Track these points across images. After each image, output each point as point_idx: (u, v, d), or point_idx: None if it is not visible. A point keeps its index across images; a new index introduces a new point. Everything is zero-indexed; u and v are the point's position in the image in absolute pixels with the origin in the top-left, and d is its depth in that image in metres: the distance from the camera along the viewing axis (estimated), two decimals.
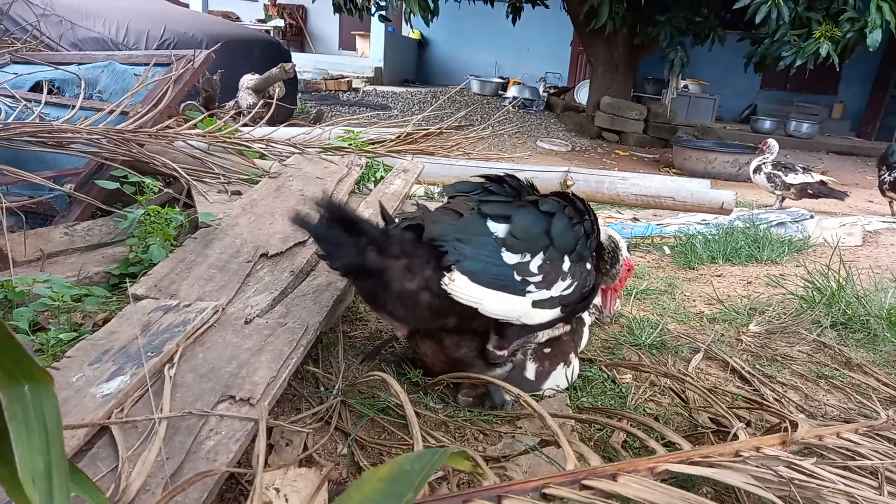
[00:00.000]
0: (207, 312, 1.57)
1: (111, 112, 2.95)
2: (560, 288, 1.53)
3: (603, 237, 1.77)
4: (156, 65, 3.31)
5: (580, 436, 1.48)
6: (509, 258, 1.46)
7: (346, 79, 12.87)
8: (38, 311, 1.74)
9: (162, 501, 0.89)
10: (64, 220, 2.62)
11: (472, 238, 1.45)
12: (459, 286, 1.41)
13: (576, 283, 1.56)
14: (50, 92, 3.41)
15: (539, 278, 1.49)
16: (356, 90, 12.58)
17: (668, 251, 3.51)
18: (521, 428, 1.51)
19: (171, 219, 2.06)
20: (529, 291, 1.48)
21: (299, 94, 9.26)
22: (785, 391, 1.75)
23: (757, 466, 1.05)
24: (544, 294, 1.50)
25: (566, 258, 1.53)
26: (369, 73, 14.07)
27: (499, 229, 1.48)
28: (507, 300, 1.46)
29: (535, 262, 1.49)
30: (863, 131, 14.12)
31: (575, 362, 1.74)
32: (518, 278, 1.47)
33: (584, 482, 0.95)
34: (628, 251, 1.90)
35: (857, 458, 1.19)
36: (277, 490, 1.26)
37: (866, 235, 4.27)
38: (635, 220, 4.50)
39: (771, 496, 1.00)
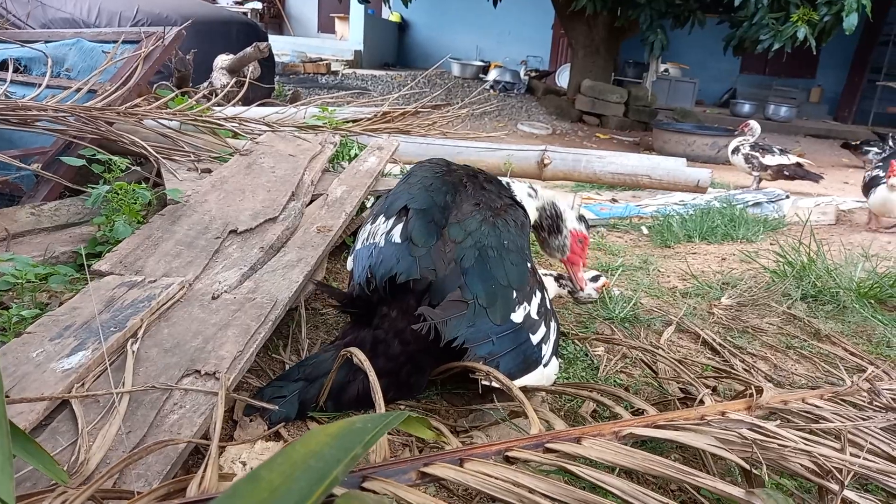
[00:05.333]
0: (173, 288, 1.54)
1: (79, 90, 2.89)
2: (545, 319, 1.50)
3: (541, 203, 1.75)
4: (125, 42, 3.23)
5: (550, 407, 1.48)
6: (517, 317, 1.39)
7: (325, 62, 12.72)
8: (1, 290, 1.70)
9: (116, 469, 0.87)
10: (31, 200, 2.57)
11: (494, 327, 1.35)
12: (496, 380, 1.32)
13: (541, 295, 1.52)
14: (16, 70, 3.32)
15: (542, 327, 1.45)
16: (335, 73, 12.45)
17: (645, 231, 3.52)
18: (492, 401, 1.51)
19: (137, 195, 2.02)
20: (543, 357, 1.44)
21: (277, 77, 9.13)
22: (754, 361, 1.77)
23: (721, 429, 1.06)
24: (542, 333, 1.46)
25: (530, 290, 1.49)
26: (349, 57, 13.91)
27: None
28: (534, 376, 1.41)
29: (534, 308, 1.44)
30: (840, 115, 14.28)
31: None
32: (535, 344, 1.41)
33: (548, 445, 0.95)
34: (583, 221, 1.88)
35: (820, 421, 1.20)
36: (244, 463, 1.24)
37: (840, 214, 4.33)
38: (614, 200, 4.52)
39: (734, 457, 1.00)
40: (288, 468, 0.49)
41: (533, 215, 1.79)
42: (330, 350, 1.44)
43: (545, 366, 1.44)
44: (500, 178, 1.76)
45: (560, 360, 1.64)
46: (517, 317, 1.39)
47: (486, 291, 1.36)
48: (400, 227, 1.46)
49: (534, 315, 1.44)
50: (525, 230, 1.60)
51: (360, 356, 1.23)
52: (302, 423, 1.37)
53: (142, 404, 1.19)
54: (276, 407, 1.29)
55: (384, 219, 1.53)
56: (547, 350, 1.46)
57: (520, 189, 1.77)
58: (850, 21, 7.12)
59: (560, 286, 2.12)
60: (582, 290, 2.02)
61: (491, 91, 11.95)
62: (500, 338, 1.34)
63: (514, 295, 1.40)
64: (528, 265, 1.51)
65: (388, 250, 1.43)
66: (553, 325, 1.54)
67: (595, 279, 2.12)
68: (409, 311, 1.38)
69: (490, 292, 1.36)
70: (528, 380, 1.39)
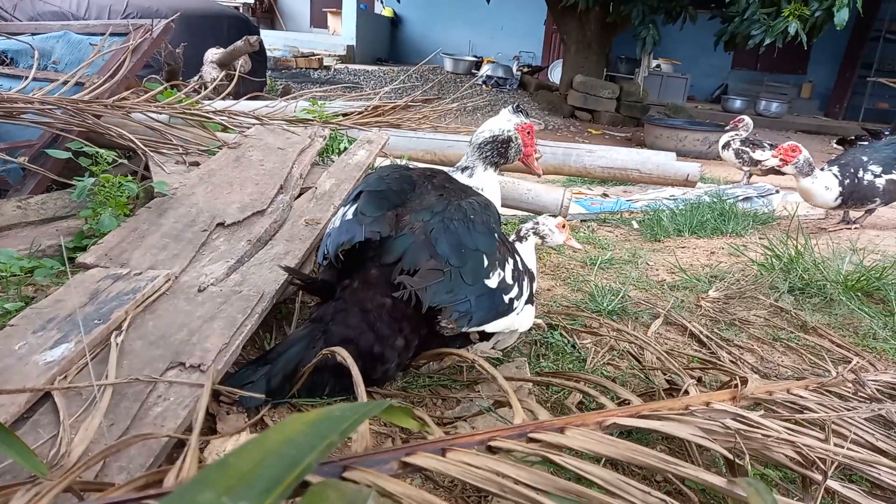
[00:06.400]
0: (159, 281, 1.53)
1: (66, 82, 2.86)
2: (519, 281, 1.56)
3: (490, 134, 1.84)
4: (112, 34, 3.20)
5: (537, 398, 1.48)
6: (492, 283, 1.46)
7: (318, 56, 12.67)
8: None
9: (93, 460, 0.86)
10: (17, 194, 2.54)
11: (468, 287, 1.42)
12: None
13: (513, 261, 1.58)
14: (2, 63, 3.30)
15: (516, 287, 1.53)
16: (327, 68, 12.40)
17: (636, 225, 3.53)
18: (478, 392, 1.51)
19: (124, 188, 2.00)
20: (516, 308, 1.52)
21: (269, 72, 9.08)
22: (741, 353, 1.78)
23: (705, 419, 1.06)
24: (516, 293, 1.54)
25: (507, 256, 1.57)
26: (341, 51, 13.86)
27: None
28: (504, 322, 1.49)
29: (508, 274, 1.52)
30: (830, 111, 14.34)
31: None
32: (507, 301, 1.49)
33: (531, 435, 0.95)
34: (517, 112, 1.92)
35: (805, 411, 1.20)
36: None
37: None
38: (605, 195, 4.52)
39: (717, 447, 1.01)
40: (259, 455, 0.48)
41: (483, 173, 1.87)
42: (298, 331, 1.48)
43: (518, 313, 1.53)
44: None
45: (533, 305, 1.68)
46: (492, 283, 1.45)
47: (456, 255, 1.42)
48: (353, 207, 1.54)
49: (508, 280, 1.51)
50: (490, 209, 1.65)
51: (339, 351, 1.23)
52: (288, 414, 1.37)
53: (125, 397, 1.18)
54: (248, 393, 1.28)
55: (343, 208, 1.62)
56: (519, 303, 1.54)
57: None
58: (841, 16, 7.15)
59: (521, 239, 2.05)
60: (539, 175, 2.04)
61: (483, 86, 11.92)
62: (477, 298, 1.40)
63: (485, 260, 1.45)
64: (496, 236, 1.57)
65: (342, 227, 1.51)
66: (526, 282, 1.61)
67: (553, 216, 2.06)
68: (370, 281, 1.44)
69: (460, 255, 1.42)
70: (500, 324, 1.47)
